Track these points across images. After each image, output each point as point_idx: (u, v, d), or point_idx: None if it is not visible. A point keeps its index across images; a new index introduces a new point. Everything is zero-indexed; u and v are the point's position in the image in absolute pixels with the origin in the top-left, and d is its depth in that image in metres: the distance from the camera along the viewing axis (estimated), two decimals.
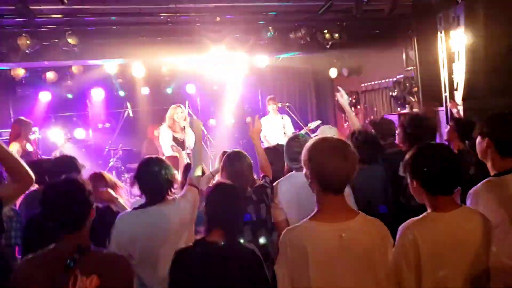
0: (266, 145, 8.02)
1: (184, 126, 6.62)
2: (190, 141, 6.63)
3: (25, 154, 6.71)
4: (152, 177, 3.01)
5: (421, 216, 2.19)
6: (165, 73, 9.43)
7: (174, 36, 7.22)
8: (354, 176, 2.12)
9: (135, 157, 9.09)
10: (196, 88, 9.97)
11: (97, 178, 3.66)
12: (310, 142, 2.21)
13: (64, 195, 2.13)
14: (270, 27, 7.28)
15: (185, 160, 6.49)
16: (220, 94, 10.40)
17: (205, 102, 10.24)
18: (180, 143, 6.67)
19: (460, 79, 6.60)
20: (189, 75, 9.68)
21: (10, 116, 9.12)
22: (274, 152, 4.45)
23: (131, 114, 8.32)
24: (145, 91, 9.50)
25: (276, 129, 8.05)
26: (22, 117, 6.96)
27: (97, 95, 9.34)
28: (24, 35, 6.32)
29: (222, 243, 2.39)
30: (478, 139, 2.76)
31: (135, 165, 8.58)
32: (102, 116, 9.66)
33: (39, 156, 6.81)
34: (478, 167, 3.62)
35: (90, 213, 2.19)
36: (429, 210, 2.20)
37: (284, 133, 7.96)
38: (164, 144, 6.79)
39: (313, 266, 2.02)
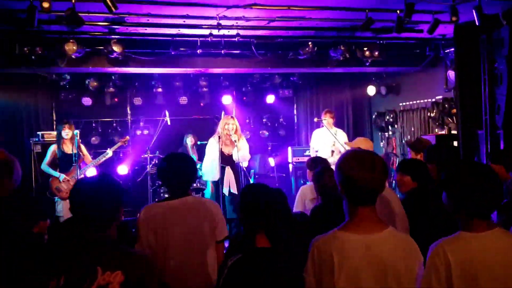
0: None
1: (234, 140, 6.58)
2: (236, 155, 6.61)
3: (63, 155, 6.95)
4: (175, 172, 3.07)
5: (453, 235, 2.17)
6: (203, 83, 9.61)
7: (214, 49, 7.35)
8: (383, 188, 2.13)
9: None
10: (232, 99, 10.08)
11: None
12: (341, 155, 2.26)
13: (95, 191, 2.09)
14: (310, 43, 7.34)
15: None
16: (255, 106, 10.50)
17: (240, 113, 10.33)
18: (226, 158, 6.66)
19: (501, 103, 6.47)
20: (226, 86, 9.85)
21: (52, 120, 9.46)
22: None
23: (169, 123, 8.49)
24: (183, 100, 9.68)
25: (327, 144, 8.03)
26: (65, 120, 7.22)
27: (138, 102, 9.58)
28: (71, 41, 6.57)
29: (273, 249, 2.33)
30: None
31: None
32: (141, 123, 9.88)
33: (81, 158, 7.03)
34: None
35: (120, 211, 2.16)
36: (461, 230, 2.18)
37: (332, 151, 7.89)
38: (208, 155, 6.74)
39: (338, 275, 2.05)
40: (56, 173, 6.95)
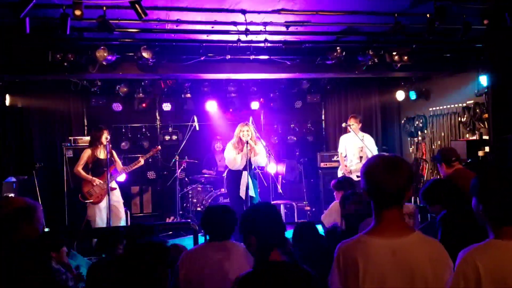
0: (343, 165, 8.13)
1: (249, 149, 6.75)
2: (253, 159, 6.91)
3: (96, 160, 7.07)
4: (214, 222, 3.31)
5: (483, 242, 2.12)
6: (231, 89, 9.67)
7: (243, 55, 7.39)
8: (407, 189, 2.08)
9: (199, 170, 9.34)
10: (260, 105, 10.13)
11: None
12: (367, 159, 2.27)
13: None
14: (338, 48, 7.30)
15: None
16: (283, 111, 10.50)
17: (268, 119, 10.37)
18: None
19: None
20: (254, 92, 9.89)
21: (84, 125, 9.65)
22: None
23: (197, 128, 8.57)
24: (211, 106, 9.73)
25: (354, 149, 8.08)
26: (100, 126, 7.34)
27: (167, 108, 9.68)
28: (102, 48, 6.70)
29: (286, 262, 2.38)
30: None
31: (198, 177, 8.82)
32: (170, 129, 10.00)
33: (112, 164, 7.14)
34: None
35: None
36: (491, 237, 2.13)
37: (361, 157, 7.91)
38: (227, 161, 7.05)
39: (363, 280, 2.03)
40: (87, 177, 7.06)
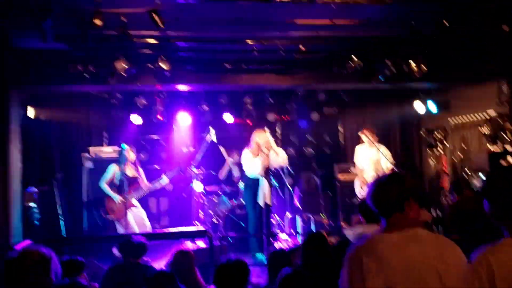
0: (361, 177, 8.08)
1: (266, 153, 6.80)
2: (275, 160, 7.14)
3: (124, 176, 7.07)
4: (225, 277, 3.29)
5: (496, 242, 2.12)
6: (248, 101, 9.67)
7: (259, 65, 7.42)
8: (405, 199, 2.24)
9: (215, 180, 9.33)
10: (276, 117, 10.11)
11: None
12: None
13: None
14: (354, 57, 7.27)
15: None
16: (300, 123, 10.46)
17: (285, 131, 10.32)
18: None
19: None
20: (271, 104, 9.88)
21: (103, 137, 9.75)
22: None
23: (215, 140, 8.58)
24: (227, 117, 9.74)
25: (369, 161, 8.03)
26: (124, 143, 7.40)
27: (183, 119, 9.71)
28: (121, 58, 6.76)
29: None
30: None
31: (214, 188, 8.82)
32: (187, 140, 10.03)
33: (138, 181, 7.20)
34: None
35: None
36: (504, 237, 2.12)
37: (376, 168, 7.88)
38: (245, 167, 7.05)
39: (368, 272, 2.12)
40: (112, 194, 7.09)
